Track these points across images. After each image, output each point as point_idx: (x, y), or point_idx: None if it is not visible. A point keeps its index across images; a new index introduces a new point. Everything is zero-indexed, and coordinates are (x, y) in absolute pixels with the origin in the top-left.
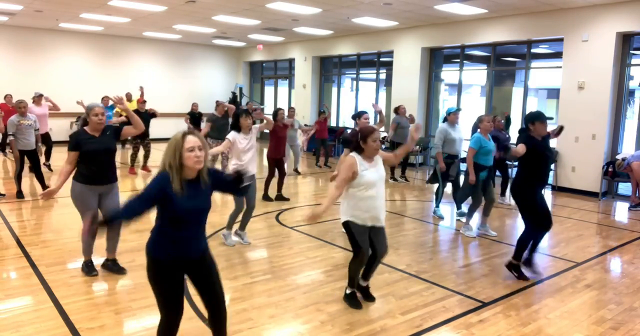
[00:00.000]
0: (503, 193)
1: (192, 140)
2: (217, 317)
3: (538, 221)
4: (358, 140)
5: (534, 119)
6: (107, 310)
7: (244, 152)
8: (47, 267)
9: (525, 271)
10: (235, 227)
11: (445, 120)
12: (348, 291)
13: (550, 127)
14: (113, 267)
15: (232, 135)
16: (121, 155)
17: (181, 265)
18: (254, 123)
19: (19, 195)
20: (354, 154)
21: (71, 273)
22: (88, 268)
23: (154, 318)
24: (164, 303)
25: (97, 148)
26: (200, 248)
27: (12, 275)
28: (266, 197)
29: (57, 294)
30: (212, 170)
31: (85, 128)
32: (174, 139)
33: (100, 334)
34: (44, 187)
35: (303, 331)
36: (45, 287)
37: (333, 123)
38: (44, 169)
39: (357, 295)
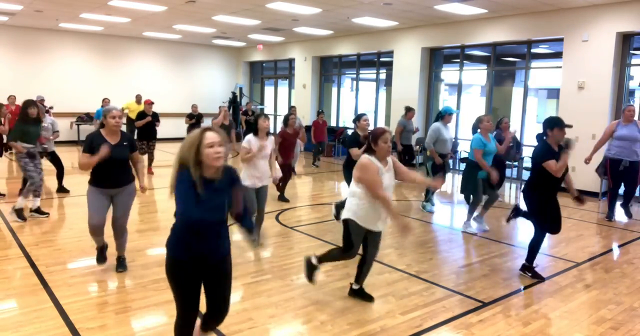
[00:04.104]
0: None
1: (211, 136)
2: (212, 322)
3: (547, 224)
4: (370, 141)
5: (553, 126)
6: (107, 310)
7: (259, 159)
8: (47, 267)
9: (526, 275)
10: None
11: (438, 119)
12: (314, 260)
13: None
14: (117, 263)
15: (248, 139)
16: None
17: (199, 265)
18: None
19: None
20: (367, 156)
21: (71, 273)
22: (97, 256)
23: (154, 318)
24: (180, 301)
25: (111, 156)
26: (220, 250)
27: (12, 275)
28: (282, 198)
29: (57, 294)
30: (231, 170)
31: (101, 131)
32: (193, 134)
33: (100, 334)
34: (61, 185)
35: (303, 331)
36: (45, 287)
37: (333, 123)
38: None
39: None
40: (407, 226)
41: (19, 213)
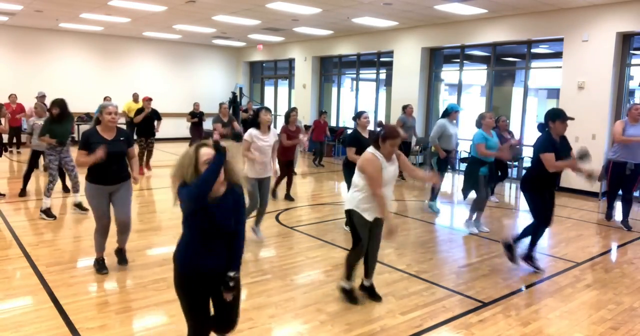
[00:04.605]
0: (492, 192)
1: (207, 152)
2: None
3: (544, 216)
4: (380, 137)
5: (554, 117)
6: (107, 310)
7: (262, 153)
8: (47, 267)
9: (527, 266)
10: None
11: (444, 115)
12: (344, 284)
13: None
14: (118, 255)
15: (249, 132)
16: None
17: (208, 277)
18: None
19: (22, 193)
20: (372, 151)
21: (71, 273)
22: (99, 266)
23: (154, 318)
24: (191, 314)
25: (107, 151)
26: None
27: (12, 275)
28: (273, 194)
29: (57, 294)
30: (236, 191)
31: (97, 128)
32: (187, 153)
33: (100, 334)
34: (64, 185)
35: (303, 331)
36: (45, 287)
37: (333, 123)
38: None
39: (360, 293)
40: (393, 229)
41: (48, 212)
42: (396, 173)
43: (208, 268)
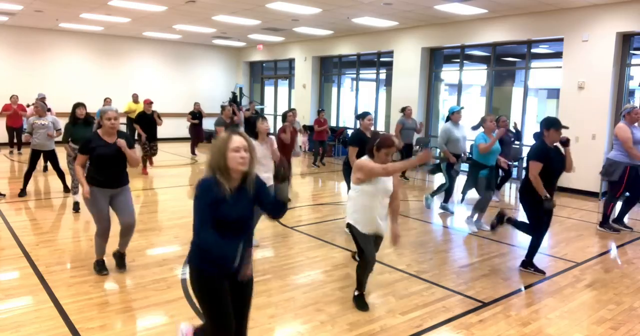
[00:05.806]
0: (498, 188)
1: (238, 140)
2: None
3: (544, 224)
4: (375, 145)
5: (549, 126)
6: (107, 310)
7: (260, 162)
8: (47, 267)
9: (528, 271)
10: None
11: (448, 119)
12: (356, 293)
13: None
14: (117, 259)
15: None
16: None
17: (224, 274)
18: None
19: (22, 193)
20: (366, 159)
21: (71, 273)
22: (99, 267)
23: (154, 318)
24: (211, 315)
25: (108, 154)
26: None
27: (12, 275)
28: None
29: (57, 294)
30: (259, 181)
31: (98, 131)
32: (220, 138)
33: (100, 334)
34: (65, 185)
35: (303, 331)
36: (45, 287)
37: (333, 123)
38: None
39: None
40: (396, 237)
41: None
42: (390, 188)
43: (226, 261)
